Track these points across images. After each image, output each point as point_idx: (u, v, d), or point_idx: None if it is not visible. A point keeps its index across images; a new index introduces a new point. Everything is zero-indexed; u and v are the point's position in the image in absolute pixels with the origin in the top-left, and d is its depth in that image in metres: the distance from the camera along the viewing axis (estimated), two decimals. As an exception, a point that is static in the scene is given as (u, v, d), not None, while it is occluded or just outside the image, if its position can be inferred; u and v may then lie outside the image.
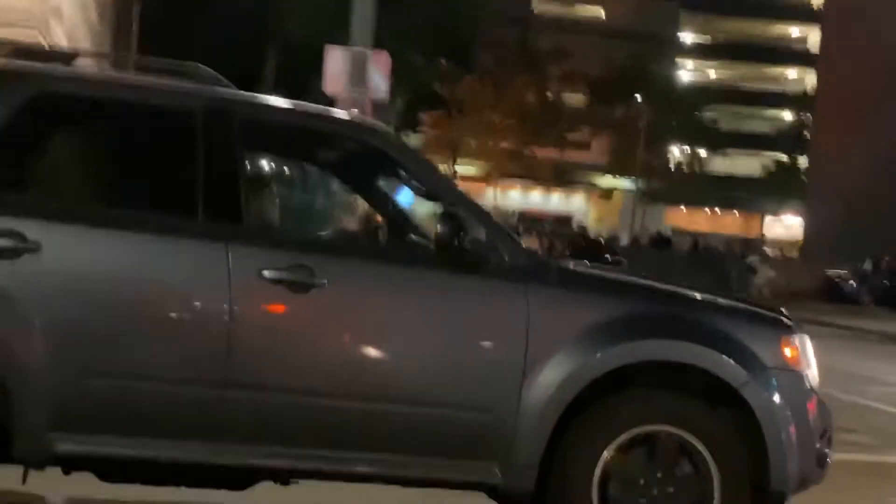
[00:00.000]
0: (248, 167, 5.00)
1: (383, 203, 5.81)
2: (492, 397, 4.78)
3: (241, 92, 5.19)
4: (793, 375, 5.05)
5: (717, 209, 69.66)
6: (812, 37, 65.46)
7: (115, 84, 5.12)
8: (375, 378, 4.76)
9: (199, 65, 5.16)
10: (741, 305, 5.45)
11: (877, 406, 11.35)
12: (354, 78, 11.73)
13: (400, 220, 5.70)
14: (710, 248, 47.54)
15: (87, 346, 4.53)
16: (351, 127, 5.35)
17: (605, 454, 4.86)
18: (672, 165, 65.42)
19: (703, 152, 66.46)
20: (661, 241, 50.09)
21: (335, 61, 11.95)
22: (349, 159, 5.60)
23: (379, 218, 5.65)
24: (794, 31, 70.35)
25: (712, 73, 74.63)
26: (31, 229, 4.48)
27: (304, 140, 5.39)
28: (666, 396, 4.98)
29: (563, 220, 64.55)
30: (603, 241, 39.11)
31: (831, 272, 33.89)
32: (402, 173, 5.28)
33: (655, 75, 62.66)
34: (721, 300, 5.44)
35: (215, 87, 5.06)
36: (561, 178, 64.95)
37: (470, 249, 4.80)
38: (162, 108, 4.89)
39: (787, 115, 69.28)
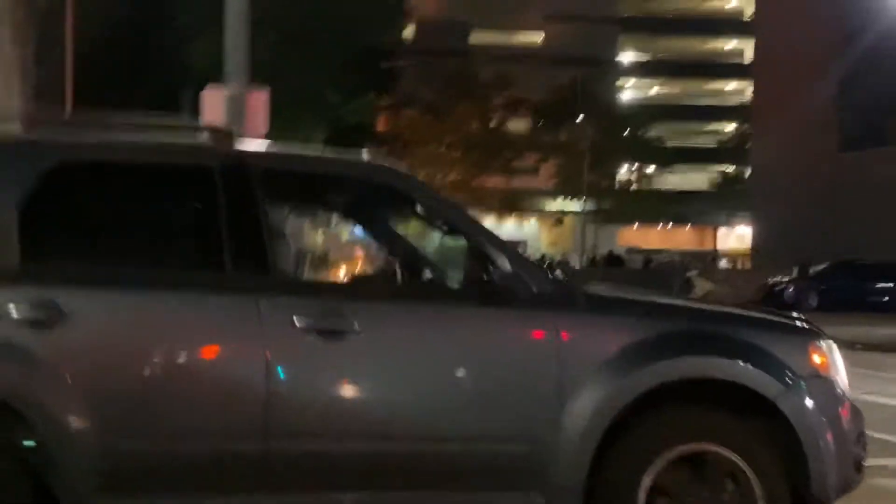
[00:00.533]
0: (270, 217, 5.01)
1: (398, 243, 5.82)
2: (531, 427, 4.84)
3: (257, 144, 5.31)
4: (824, 382, 5.10)
5: (669, 225, 70.05)
6: (748, 50, 66.14)
7: (132, 148, 5.12)
8: (415, 418, 4.81)
9: (214, 124, 5.25)
10: (767, 316, 5.54)
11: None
12: (232, 117, 11.64)
13: (417, 260, 5.72)
14: (665, 265, 47.78)
15: (125, 409, 4.56)
16: (369, 170, 5.37)
17: (648, 475, 4.92)
18: (620, 185, 65.78)
19: (651, 170, 66.89)
20: (613, 261, 50.78)
21: (212, 102, 11.86)
22: (366, 202, 5.63)
23: (394, 259, 5.67)
24: (730, 44, 71.13)
25: (654, 92, 75.26)
26: (63, 298, 4.54)
27: (324, 186, 5.43)
28: (703, 414, 5.03)
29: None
30: (552, 265, 39.35)
31: (772, 280, 34.01)
32: (422, 212, 5.35)
33: (598, 97, 63.08)
34: (746, 312, 5.54)
35: (230, 141, 5.12)
36: (511, 205, 65.14)
37: (498, 283, 4.90)
38: (180, 167, 4.97)
39: (730, 128, 69.92)
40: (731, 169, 67.39)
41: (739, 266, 58.05)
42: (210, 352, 4.69)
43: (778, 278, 34.14)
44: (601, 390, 4.84)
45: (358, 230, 5.97)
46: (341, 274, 5.53)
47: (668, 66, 72.47)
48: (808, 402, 4.99)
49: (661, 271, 42.27)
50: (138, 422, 4.58)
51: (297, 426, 4.68)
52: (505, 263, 4.92)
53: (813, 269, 33.73)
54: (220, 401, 4.64)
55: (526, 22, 69.06)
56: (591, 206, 62.42)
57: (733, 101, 70.15)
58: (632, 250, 60.37)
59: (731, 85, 71.03)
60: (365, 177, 5.28)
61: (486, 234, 5.10)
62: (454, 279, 5.16)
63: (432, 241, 5.70)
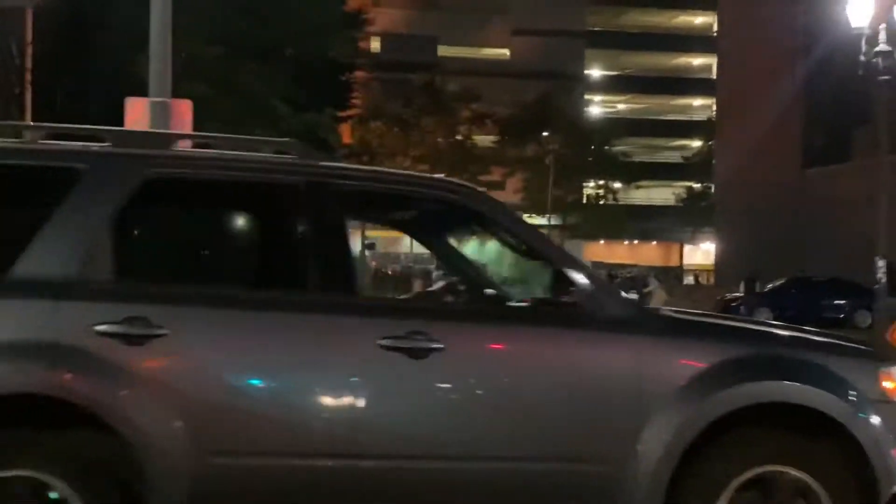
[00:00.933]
0: (351, 236, 5.07)
1: (476, 263, 5.87)
2: (610, 448, 4.85)
3: (337, 163, 5.28)
4: (892, 407, 5.14)
5: (635, 241, 70.21)
6: (715, 65, 66.49)
7: (224, 164, 5.04)
8: (499, 437, 4.81)
9: (294, 140, 5.19)
10: (838, 341, 5.56)
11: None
12: (156, 128, 11.46)
13: (497, 280, 5.77)
14: (628, 279, 47.86)
15: (214, 425, 4.56)
16: (446, 189, 5.29)
17: (725, 496, 4.94)
18: (586, 200, 65.94)
19: (617, 185, 67.06)
20: None
21: (135, 113, 11.68)
22: (443, 220, 5.70)
23: (474, 278, 5.71)
24: (698, 60, 71.41)
25: (621, 107, 75.52)
26: (156, 314, 4.52)
27: (403, 204, 5.48)
28: (776, 436, 5.06)
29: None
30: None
31: (729, 295, 34.11)
32: (499, 232, 5.35)
33: (564, 112, 63.25)
34: (817, 336, 5.56)
35: (313, 159, 5.10)
36: (477, 219, 65.05)
37: (578, 304, 4.92)
38: (269, 185, 4.96)
39: (697, 143, 70.17)
40: (697, 185, 67.60)
41: (704, 281, 58.20)
42: (296, 371, 4.70)
43: (735, 294, 34.25)
44: (679, 414, 4.86)
45: (435, 249, 5.98)
46: (423, 293, 5.65)
47: (635, 82, 72.75)
48: (879, 426, 5.05)
49: (624, 286, 42.19)
50: (228, 437, 4.58)
51: (384, 445, 4.71)
52: (584, 284, 4.94)
53: (770, 285, 33.84)
54: (307, 418, 4.64)
55: (493, 37, 69.22)
56: (557, 220, 62.54)
57: (700, 116, 70.40)
58: (596, 265, 60.44)
59: (699, 101, 71.33)
60: (442, 196, 5.25)
61: (564, 254, 5.15)
62: (535, 299, 5.19)
63: (510, 261, 5.71)
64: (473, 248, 5.91)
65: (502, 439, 4.80)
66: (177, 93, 22.49)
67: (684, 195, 69.20)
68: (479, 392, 4.82)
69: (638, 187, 68.20)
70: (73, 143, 5.02)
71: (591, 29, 71.77)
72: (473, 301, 5.61)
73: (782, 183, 44.79)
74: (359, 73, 63.70)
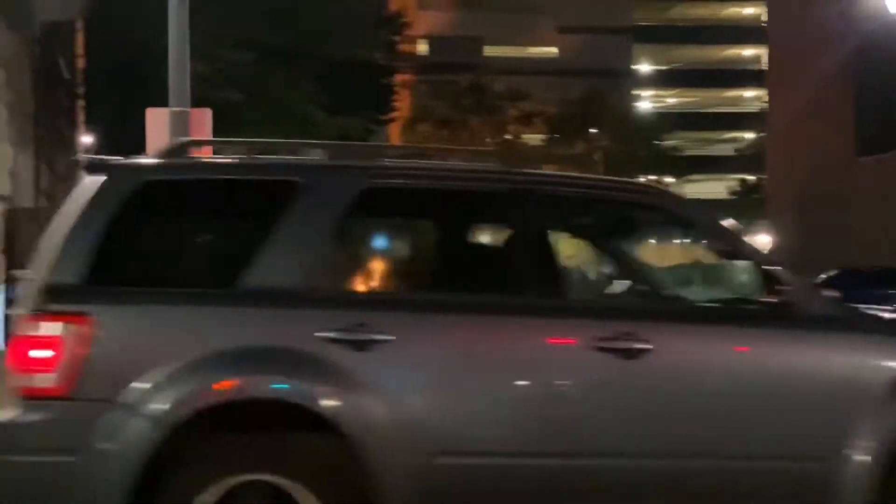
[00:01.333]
0: (555, 239, 5.24)
1: (679, 264, 5.85)
2: (823, 447, 4.90)
3: (539, 171, 5.48)
4: None
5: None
6: (765, 56, 65.74)
7: (436, 174, 5.28)
8: (714, 436, 4.89)
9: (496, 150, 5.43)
10: None
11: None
12: (175, 136, 11.60)
13: (699, 280, 5.84)
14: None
15: (439, 428, 4.73)
16: (644, 193, 5.49)
17: None
18: (638, 196, 65.47)
19: (668, 180, 66.53)
20: None
21: (155, 122, 11.85)
22: (635, 225, 5.92)
23: (678, 279, 5.80)
24: (747, 52, 70.67)
25: (671, 101, 74.92)
26: (379, 321, 4.70)
27: (602, 208, 5.58)
28: None
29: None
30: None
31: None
32: (698, 234, 5.54)
33: (613, 108, 62.93)
34: None
35: (516, 167, 5.27)
36: (528, 218, 64.92)
37: (785, 304, 5.00)
38: (478, 193, 5.15)
39: (748, 136, 69.42)
40: (751, 177, 66.87)
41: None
42: (513, 373, 4.83)
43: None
44: (892, 412, 4.90)
45: (616, 253, 6.13)
46: (627, 295, 5.65)
47: (684, 75, 72.14)
48: None
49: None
50: (449, 438, 4.73)
51: (598, 444, 4.83)
52: (794, 284, 5.04)
53: (823, 276, 33.32)
54: (524, 419, 4.79)
55: (539, 35, 69.01)
56: (608, 217, 62.12)
57: (752, 108, 69.57)
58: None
59: (750, 92, 70.52)
60: (649, 201, 5.38)
61: (763, 255, 5.27)
62: (741, 299, 5.28)
63: (708, 261, 5.83)
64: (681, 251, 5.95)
65: (717, 437, 4.87)
66: (209, 100, 22.80)
67: (737, 188, 68.47)
68: (693, 390, 4.89)
69: (689, 181, 67.61)
70: (288, 157, 5.30)
71: (638, 24, 71.32)
72: (685, 301, 5.69)
73: (836, 172, 44.15)
74: (405, 76, 64.20)
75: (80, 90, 34.55)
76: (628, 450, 4.84)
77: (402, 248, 5.51)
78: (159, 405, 4.47)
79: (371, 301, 4.90)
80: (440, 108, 62.00)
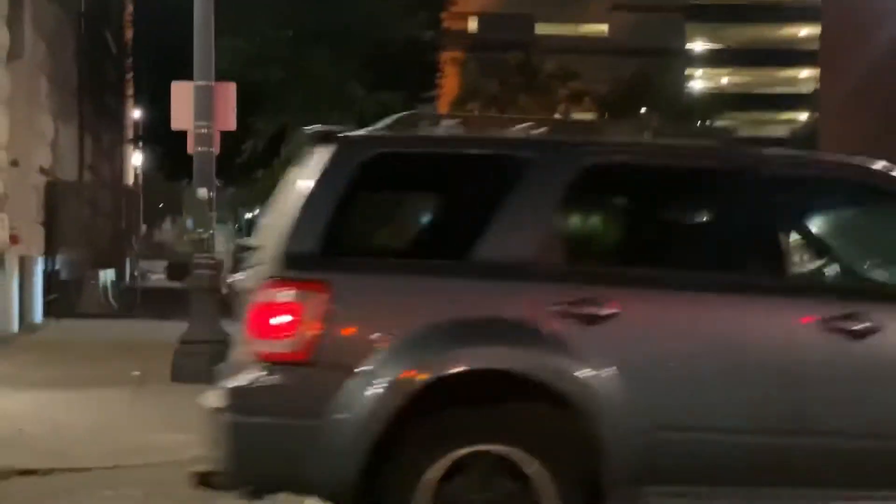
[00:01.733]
0: (783, 218, 5.24)
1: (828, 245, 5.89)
2: None
3: (762, 150, 5.45)
4: None
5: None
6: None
7: (657, 152, 5.33)
8: None
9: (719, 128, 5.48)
10: None
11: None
12: (200, 112, 11.63)
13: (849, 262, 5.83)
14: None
15: (664, 402, 4.76)
16: (866, 172, 5.42)
17: None
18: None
19: (720, 161, 65.93)
20: None
21: (180, 97, 11.86)
22: (842, 203, 5.79)
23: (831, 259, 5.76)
24: (802, 31, 69.61)
25: (724, 81, 74.10)
26: (607, 295, 4.76)
27: (822, 188, 5.53)
28: None
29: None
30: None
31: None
32: None
33: (665, 87, 62.32)
34: None
35: (736, 146, 5.34)
36: (577, 198, 64.67)
37: None
38: (698, 170, 5.20)
39: (802, 117, 68.50)
40: (804, 158, 66.05)
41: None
42: (737, 350, 4.84)
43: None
44: None
45: (810, 232, 6.02)
46: (853, 274, 5.63)
47: (737, 55, 71.33)
48: None
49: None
50: (675, 412, 4.77)
51: (823, 423, 4.82)
52: None
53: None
54: (748, 396, 4.81)
55: (591, 13, 68.49)
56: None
57: (807, 88, 68.62)
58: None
59: (805, 72, 69.54)
60: (866, 180, 5.36)
61: None
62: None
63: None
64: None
65: None
66: (249, 77, 22.80)
67: (790, 169, 67.80)
68: None
69: (742, 162, 66.91)
70: (515, 133, 5.32)
71: (691, 2, 70.49)
72: (882, 283, 5.57)
73: (887, 155, 43.45)
74: (454, 54, 63.97)
75: (128, 63, 34.69)
76: (853, 430, 4.85)
77: (627, 224, 5.46)
78: (396, 374, 4.57)
79: (599, 276, 4.92)
80: (489, 86, 61.73)
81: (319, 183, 4.82)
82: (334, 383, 4.57)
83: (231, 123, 11.98)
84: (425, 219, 5.14)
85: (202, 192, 11.57)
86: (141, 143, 39.44)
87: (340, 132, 5.06)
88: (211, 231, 11.74)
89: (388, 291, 4.77)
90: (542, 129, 5.31)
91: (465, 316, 4.70)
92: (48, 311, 19.86)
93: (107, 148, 35.46)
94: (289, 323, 4.61)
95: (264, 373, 4.63)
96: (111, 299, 22.52)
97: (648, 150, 5.33)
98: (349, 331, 4.66)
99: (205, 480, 5.06)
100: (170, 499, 6.81)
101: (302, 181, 5.00)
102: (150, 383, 11.41)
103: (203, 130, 11.57)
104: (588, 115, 63.44)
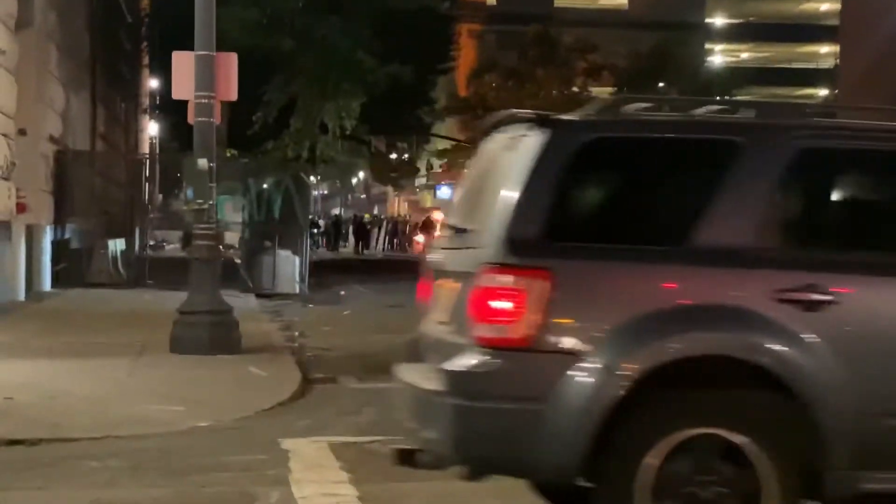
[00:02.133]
0: None
1: None
2: None
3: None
4: None
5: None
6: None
7: (867, 134, 5.27)
8: None
9: None
10: None
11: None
12: (201, 82, 11.57)
13: None
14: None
15: (885, 389, 4.78)
16: None
17: None
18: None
19: (738, 136, 65.57)
20: None
21: (181, 66, 11.80)
22: None
23: None
24: (823, 6, 69.01)
25: (744, 56, 73.54)
26: (828, 281, 4.77)
27: None
28: None
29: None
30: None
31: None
32: None
33: (684, 62, 61.88)
34: None
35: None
36: (594, 171, 64.46)
37: None
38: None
39: (823, 92, 67.98)
40: (823, 134, 65.61)
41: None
42: None
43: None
44: None
45: None
46: None
47: (758, 29, 70.72)
48: None
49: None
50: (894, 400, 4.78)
51: None
52: None
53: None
54: None
55: (611, -14, 68.02)
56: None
57: (827, 64, 68.06)
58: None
59: (826, 48, 68.93)
60: None
61: None
62: None
63: None
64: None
65: None
66: (260, 47, 22.66)
67: (809, 145, 67.41)
68: None
69: (761, 138, 66.50)
70: (726, 116, 5.34)
71: (711, -24, 69.96)
72: None
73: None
74: (472, 26, 63.64)
75: (144, 32, 34.59)
76: None
77: (844, 208, 5.36)
78: (619, 360, 4.61)
79: (819, 261, 4.88)
80: (507, 59, 61.43)
81: (538, 167, 4.81)
82: (557, 369, 4.63)
83: (232, 94, 11.91)
84: (641, 204, 5.09)
85: (202, 163, 11.53)
86: (157, 113, 39.41)
87: (557, 117, 5.05)
88: (211, 202, 11.71)
89: (609, 277, 4.81)
90: (768, 112, 5.33)
91: (685, 302, 4.76)
92: (57, 280, 19.92)
93: (121, 117, 35.46)
94: (511, 309, 4.67)
95: (487, 357, 4.69)
96: (121, 269, 22.54)
97: (860, 132, 5.26)
98: (571, 317, 4.72)
99: (407, 459, 5.20)
100: (155, 470, 6.83)
101: (513, 165, 4.96)
102: (149, 354, 11.42)
103: (204, 100, 11.51)
104: (606, 90, 63.21)
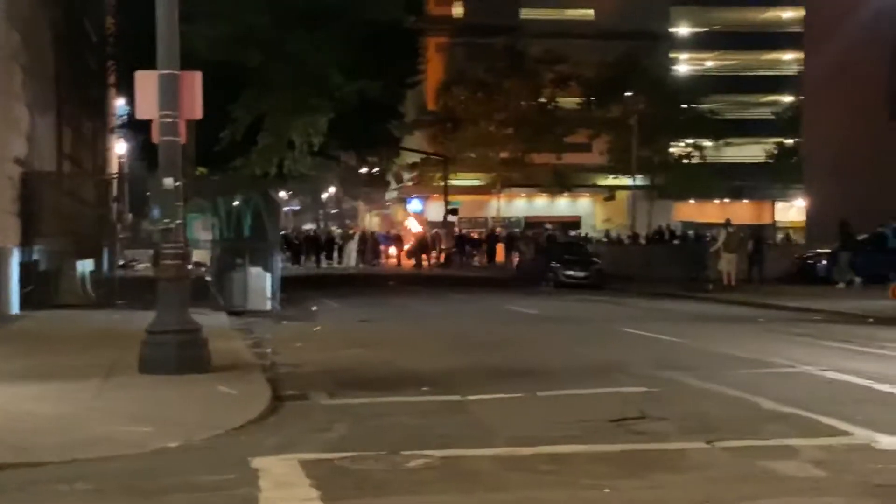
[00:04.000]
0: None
1: None
2: None
3: None
4: None
5: (726, 199, 68.92)
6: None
7: None
8: None
9: None
10: None
11: (722, 391, 10.94)
12: (165, 101, 11.52)
13: None
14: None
15: None
16: None
17: None
18: (675, 159, 64.89)
19: (706, 143, 65.84)
20: (660, 235, 51.13)
21: (144, 85, 11.75)
22: None
23: None
24: (786, 14, 69.48)
25: (709, 64, 73.95)
26: None
27: None
28: None
29: (571, 224, 64.37)
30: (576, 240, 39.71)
31: (810, 253, 33.21)
32: None
33: (651, 71, 62.23)
34: None
35: None
36: (563, 182, 64.65)
37: None
38: None
39: (787, 99, 68.42)
40: (788, 141, 65.98)
41: (798, 239, 56.81)
42: None
43: (820, 250, 33.23)
44: None
45: None
46: None
47: (722, 38, 71.12)
48: None
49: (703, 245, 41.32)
50: None
51: None
52: None
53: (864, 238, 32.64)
54: None
55: (576, -3, 68.27)
56: (644, 181, 61.70)
57: (791, 70, 68.53)
58: (686, 225, 59.58)
59: (789, 55, 69.47)
60: None
61: None
62: None
63: None
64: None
65: None
66: (228, 63, 22.55)
67: (775, 151, 67.71)
68: None
69: (728, 145, 66.85)
70: None
71: (675, -15, 70.29)
72: None
73: (871, 136, 43.42)
74: (440, 39, 63.73)
75: (110, 53, 34.39)
76: None
77: None
78: None
79: None
80: (475, 71, 61.60)
81: None
82: None
83: (197, 112, 11.87)
84: None
85: (168, 182, 11.48)
86: (124, 132, 39.16)
87: None
88: (179, 221, 11.66)
89: None
90: None
91: None
92: (26, 302, 19.75)
93: (88, 137, 35.21)
94: None
95: None
96: (90, 290, 22.39)
97: None
98: None
99: None
100: (124, 492, 6.77)
101: None
102: (118, 374, 11.34)
103: (168, 119, 11.47)
104: (574, 100, 63.43)
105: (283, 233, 41.63)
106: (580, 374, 12.22)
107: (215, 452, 7.89)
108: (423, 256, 54.20)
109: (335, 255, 55.56)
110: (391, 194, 75.30)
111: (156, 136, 11.63)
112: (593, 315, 22.37)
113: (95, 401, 9.90)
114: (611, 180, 65.54)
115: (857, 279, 29.74)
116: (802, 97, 55.35)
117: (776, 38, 69.58)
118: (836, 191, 44.83)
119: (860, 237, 32.11)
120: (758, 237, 36.15)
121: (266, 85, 23.60)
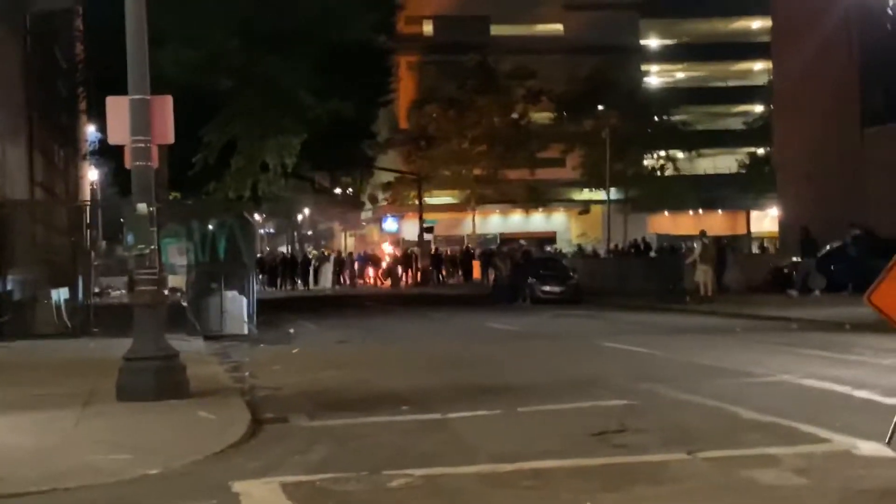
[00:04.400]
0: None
1: None
2: None
3: None
4: None
5: (700, 210, 69.20)
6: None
7: None
8: None
9: None
10: None
11: (702, 402, 10.97)
12: (137, 126, 11.49)
13: None
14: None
15: None
16: None
17: None
18: (648, 172, 65.10)
19: (679, 155, 66.11)
20: (636, 248, 51.29)
21: (115, 111, 11.72)
22: None
23: None
24: (755, 24, 69.92)
25: (680, 76, 74.38)
26: None
27: None
28: None
29: (546, 240, 64.53)
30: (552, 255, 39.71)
31: (784, 262, 33.37)
32: None
33: (621, 84, 62.49)
34: None
35: None
36: (538, 198, 64.79)
37: None
38: None
39: (758, 108, 68.81)
40: (760, 150, 66.37)
41: (772, 249, 57.11)
42: None
43: (794, 259, 33.41)
44: None
45: None
46: None
47: (692, 50, 71.55)
48: None
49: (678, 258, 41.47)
50: None
51: None
52: None
53: (827, 247, 32.88)
54: None
55: (546, 13, 68.52)
56: (618, 194, 61.90)
57: (761, 81, 68.99)
58: (662, 238, 59.81)
59: (759, 65, 69.91)
60: None
61: None
62: None
63: None
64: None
65: None
66: (200, 87, 22.52)
67: (748, 161, 68.08)
68: None
69: (700, 156, 67.19)
70: None
71: (644, -1, 70.64)
72: None
73: (842, 143, 43.73)
74: (411, 58, 63.81)
75: (80, 79, 34.30)
76: None
77: None
78: None
79: None
80: (447, 89, 61.71)
81: None
82: None
83: (169, 137, 11.83)
84: None
85: (142, 208, 11.44)
86: (96, 158, 39.02)
87: None
88: (153, 246, 11.61)
89: None
90: None
91: None
92: (1, 333, 19.61)
93: (60, 165, 35.09)
94: None
95: None
96: (66, 318, 22.24)
97: None
98: None
99: None
100: (104, 521, 6.73)
101: None
102: (96, 403, 11.26)
103: (140, 145, 11.43)
104: (546, 114, 63.64)
105: (258, 256, 41.56)
106: (560, 389, 12.23)
107: (196, 478, 7.85)
108: (401, 275, 54.13)
109: (311, 277, 55.41)
110: (366, 214, 75.27)
111: (128, 162, 11.59)
112: (571, 330, 22.41)
113: (74, 430, 9.83)
114: (585, 194, 65.75)
115: (817, 290, 30.08)
116: (773, 106, 55.71)
117: (746, 49, 69.99)
118: (809, 199, 45.14)
119: (831, 245, 32.32)
120: (720, 245, 36.26)
121: (238, 108, 23.57)
